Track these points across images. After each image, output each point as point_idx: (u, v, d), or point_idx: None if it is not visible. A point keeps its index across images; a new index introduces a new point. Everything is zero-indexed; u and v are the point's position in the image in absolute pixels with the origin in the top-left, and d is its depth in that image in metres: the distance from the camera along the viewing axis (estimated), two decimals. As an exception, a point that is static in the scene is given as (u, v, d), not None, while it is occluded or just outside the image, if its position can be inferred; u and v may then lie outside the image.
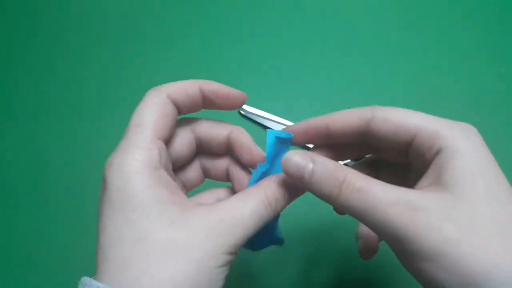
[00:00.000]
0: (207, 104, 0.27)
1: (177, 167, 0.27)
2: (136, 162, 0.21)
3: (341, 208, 0.22)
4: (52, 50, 0.51)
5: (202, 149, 0.28)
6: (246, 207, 0.22)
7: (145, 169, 0.22)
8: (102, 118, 0.47)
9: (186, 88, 0.25)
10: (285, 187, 0.24)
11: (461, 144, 0.21)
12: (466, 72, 0.49)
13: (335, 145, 0.27)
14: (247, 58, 0.50)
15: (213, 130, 0.27)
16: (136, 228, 0.20)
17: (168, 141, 0.25)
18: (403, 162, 0.26)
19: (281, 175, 0.25)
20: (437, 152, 0.22)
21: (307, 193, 0.24)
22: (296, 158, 0.22)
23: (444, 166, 0.21)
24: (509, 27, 0.51)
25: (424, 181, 0.22)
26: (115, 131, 0.28)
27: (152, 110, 0.24)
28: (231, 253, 0.21)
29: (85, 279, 0.20)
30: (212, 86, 0.26)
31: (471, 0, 0.53)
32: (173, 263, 0.20)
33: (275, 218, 0.26)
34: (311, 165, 0.22)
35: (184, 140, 0.27)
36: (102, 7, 0.54)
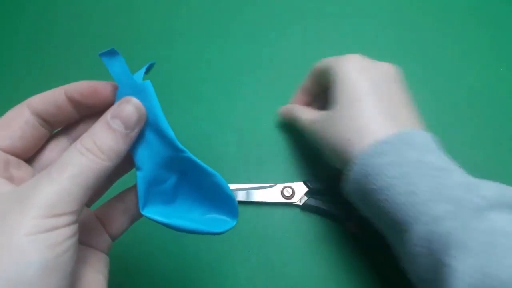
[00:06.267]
0: (79, 108, 0.25)
1: (29, 155, 0.25)
2: None
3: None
4: (55, 52, 0.51)
5: (53, 125, 0.25)
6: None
7: None
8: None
9: (49, 96, 0.24)
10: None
11: (339, 72, 0.34)
12: (466, 72, 0.48)
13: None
14: (246, 58, 0.50)
15: (46, 97, 0.24)
16: None
17: (20, 151, 0.24)
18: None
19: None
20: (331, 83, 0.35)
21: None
22: None
23: (332, 91, 0.35)
24: (509, 27, 0.51)
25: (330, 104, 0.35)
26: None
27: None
28: (46, 216, 0.19)
29: None
30: (75, 87, 0.24)
31: (471, 0, 0.53)
32: None
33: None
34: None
35: (20, 123, 0.24)
36: (102, 8, 0.54)
